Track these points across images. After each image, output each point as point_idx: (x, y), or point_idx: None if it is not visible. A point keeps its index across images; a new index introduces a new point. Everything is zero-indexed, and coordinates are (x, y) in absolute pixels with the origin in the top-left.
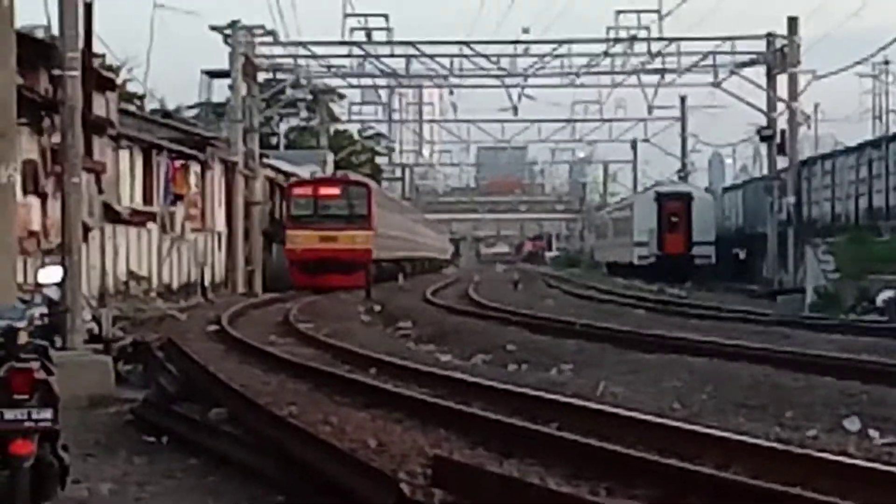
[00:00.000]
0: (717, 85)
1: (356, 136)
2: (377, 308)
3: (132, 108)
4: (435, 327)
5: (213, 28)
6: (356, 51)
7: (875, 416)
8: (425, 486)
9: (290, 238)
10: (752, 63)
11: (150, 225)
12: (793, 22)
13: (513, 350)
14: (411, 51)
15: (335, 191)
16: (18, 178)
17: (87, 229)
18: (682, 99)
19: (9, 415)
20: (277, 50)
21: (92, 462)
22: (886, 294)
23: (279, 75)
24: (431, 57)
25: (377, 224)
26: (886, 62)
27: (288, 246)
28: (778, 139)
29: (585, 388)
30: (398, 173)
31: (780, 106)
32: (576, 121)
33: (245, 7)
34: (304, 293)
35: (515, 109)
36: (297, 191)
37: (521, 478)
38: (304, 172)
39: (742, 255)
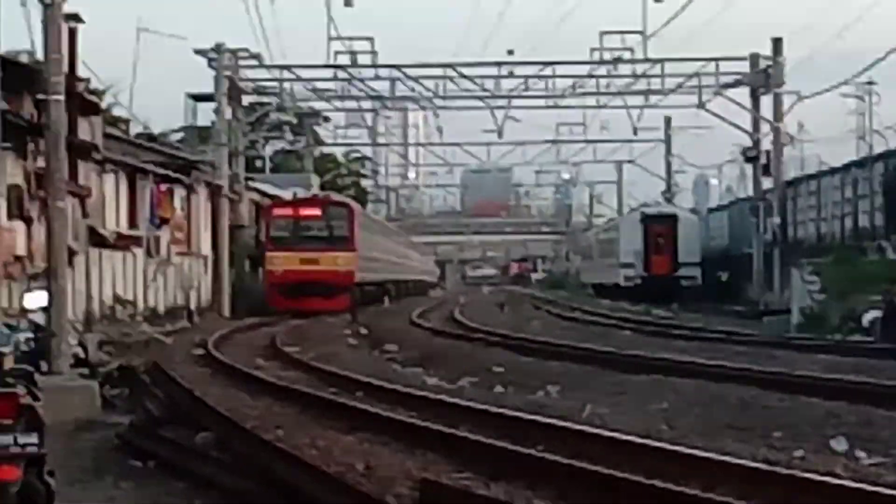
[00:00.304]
0: (701, 106)
1: (341, 160)
2: (363, 331)
3: (117, 132)
4: (421, 350)
5: (198, 51)
6: (341, 74)
7: (862, 436)
8: None
9: (270, 260)
10: (736, 84)
11: (136, 249)
12: (777, 43)
13: (499, 372)
14: (396, 73)
15: (316, 212)
16: (3, 203)
17: (72, 254)
18: (667, 120)
19: None
20: (262, 73)
21: (78, 487)
22: (872, 314)
23: (264, 98)
24: (416, 79)
25: (360, 246)
26: (870, 83)
27: (268, 268)
28: (763, 160)
29: (572, 410)
30: (383, 196)
31: (765, 127)
32: (560, 142)
33: (229, 30)
34: (290, 317)
35: (500, 132)
36: (277, 211)
37: (509, 500)
38: (290, 195)
39: (724, 277)
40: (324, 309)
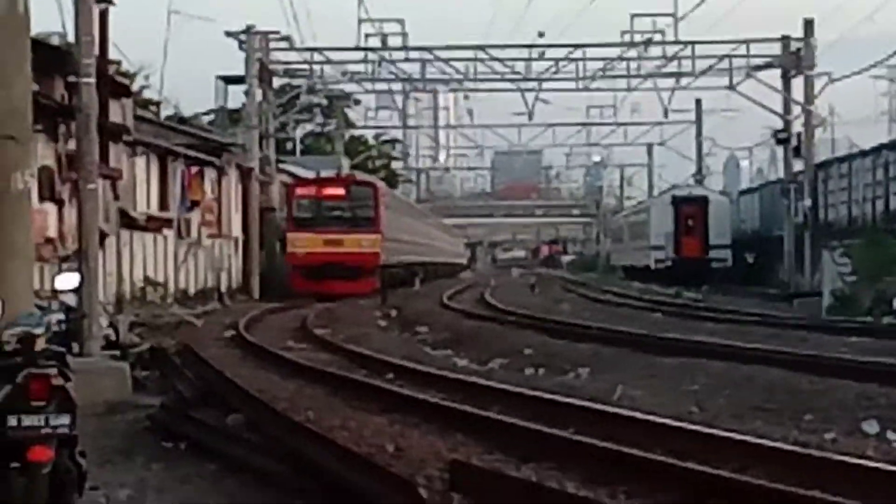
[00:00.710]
0: (732, 88)
1: (372, 142)
2: (393, 313)
3: (148, 114)
4: (451, 332)
5: (229, 34)
6: (371, 56)
7: (894, 418)
8: (443, 490)
9: (292, 241)
10: (767, 66)
11: (167, 231)
12: (808, 25)
13: (530, 354)
14: (426, 56)
15: (340, 191)
16: (34, 185)
17: (103, 235)
18: (698, 102)
19: (27, 421)
20: (293, 55)
21: (110, 468)
22: None
23: (294, 81)
24: (446, 62)
25: (386, 227)
26: None
27: (289, 249)
28: (794, 142)
29: (603, 392)
30: (413, 178)
31: (796, 109)
32: (591, 125)
33: (260, 13)
34: (317, 299)
35: (530, 114)
36: (300, 191)
37: (539, 482)
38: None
39: (750, 259)
40: (348, 292)
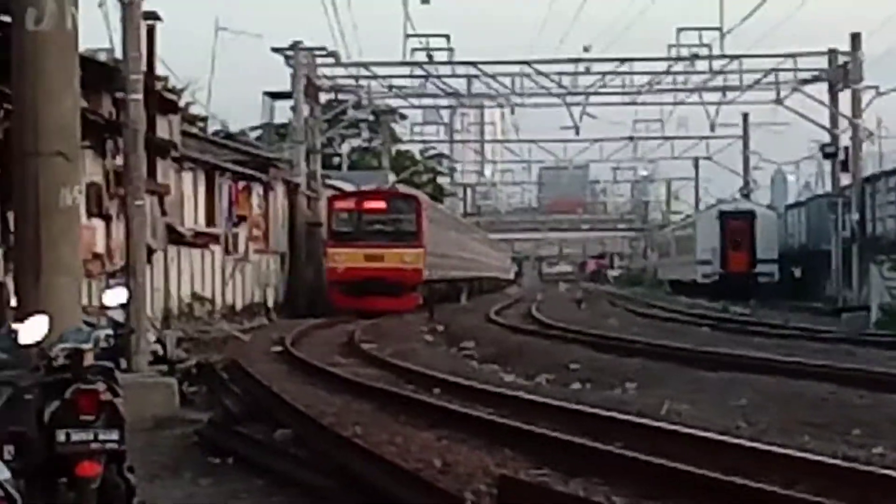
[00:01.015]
0: (779, 102)
1: (418, 157)
2: (440, 328)
3: (195, 130)
4: (498, 347)
5: (275, 50)
6: (417, 71)
7: None
8: None
9: (331, 256)
10: (814, 80)
11: (214, 246)
12: (855, 38)
13: (576, 369)
14: (472, 71)
15: (381, 204)
16: (82, 201)
17: (150, 251)
18: (745, 116)
19: (75, 436)
20: (339, 71)
21: (158, 483)
22: None
23: (341, 96)
24: (493, 77)
25: (429, 241)
26: None
27: (329, 265)
28: (841, 156)
29: (650, 407)
30: (460, 193)
31: (843, 122)
32: (638, 139)
33: (306, 29)
34: (361, 315)
35: (577, 128)
36: (339, 204)
37: (587, 497)
38: None
39: (798, 274)
40: (389, 309)
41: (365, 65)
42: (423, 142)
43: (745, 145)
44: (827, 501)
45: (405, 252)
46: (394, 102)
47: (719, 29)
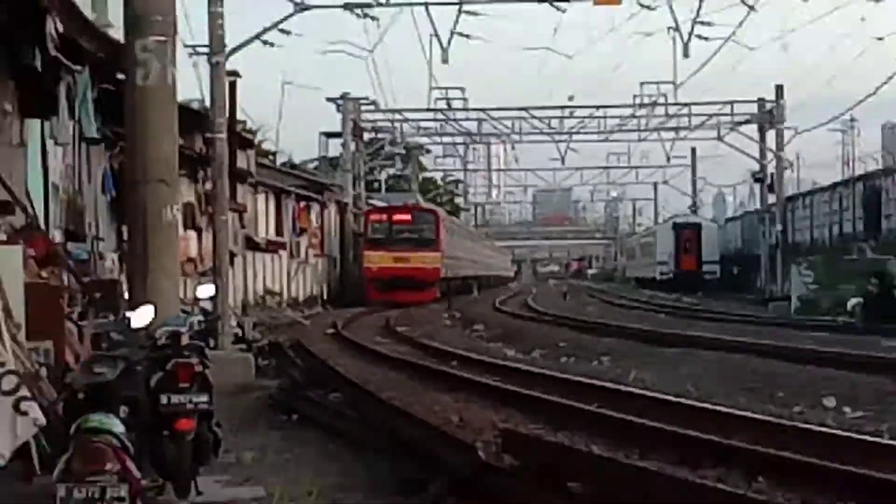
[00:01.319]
0: (720, 139)
1: (440, 182)
2: (457, 315)
3: (267, 162)
4: (502, 329)
5: (329, 99)
6: (439, 116)
7: (847, 395)
8: (497, 452)
9: (367, 258)
10: (747, 122)
11: (281, 252)
12: (779, 89)
13: (563, 346)
14: (482, 115)
15: (407, 217)
16: (180, 218)
17: (232, 256)
18: (693, 150)
19: (175, 399)
20: (378, 115)
21: (239, 436)
22: (854, 301)
23: (380, 135)
24: (498, 119)
25: (446, 247)
26: (853, 120)
27: (365, 265)
28: (768, 181)
29: (620, 376)
30: (472, 210)
31: (770, 155)
32: (610, 168)
33: (354, 81)
34: (395, 305)
35: (563, 159)
36: (373, 217)
37: (571, 445)
38: None
39: (735, 272)
40: (413, 301)
41: (398, 111)
42: (444, 170)
43: (693, 172)
44: (760, 448)
45: (426, 255)
46: (420, 139)
47: (673, 82)
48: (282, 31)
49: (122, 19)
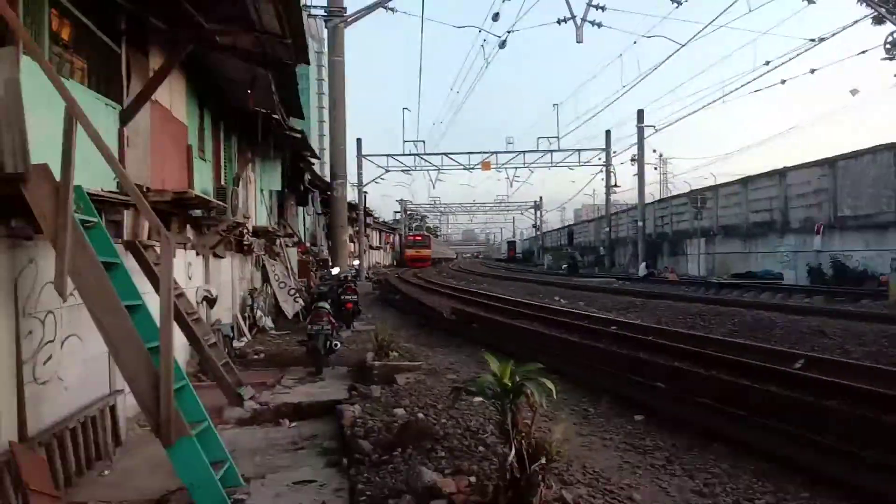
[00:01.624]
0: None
1: (430, 225)
2: (435, 270)
3: (373, 217)
4: (451, 273)
5: (398, 201)
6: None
7: (559, 294)
8: (450, 314)
9: (405, 251)
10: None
11: (381, 251)
12: (608, 134)
13: (475, 280)
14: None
15: (419, 236)
16: (347, 238)
17: (363, 252)
18: (541, 197)
19: (345, 297)
20: (412, 206)
21: (368, 309)
22: (564, 265)
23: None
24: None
25: (433, 247)
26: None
27: (406, 253)
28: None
29: (489, 290)
30: (441, 229)
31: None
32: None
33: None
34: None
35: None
36: (409, 237)
37: (475, 312)
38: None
39: (530, 256)
40: (422, 266)
41: (391, 155)
42: (423, 217)
43: (536, 213)
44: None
45: (426, 250)
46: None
47: (557, 137)
48: None
49: (329, 173)
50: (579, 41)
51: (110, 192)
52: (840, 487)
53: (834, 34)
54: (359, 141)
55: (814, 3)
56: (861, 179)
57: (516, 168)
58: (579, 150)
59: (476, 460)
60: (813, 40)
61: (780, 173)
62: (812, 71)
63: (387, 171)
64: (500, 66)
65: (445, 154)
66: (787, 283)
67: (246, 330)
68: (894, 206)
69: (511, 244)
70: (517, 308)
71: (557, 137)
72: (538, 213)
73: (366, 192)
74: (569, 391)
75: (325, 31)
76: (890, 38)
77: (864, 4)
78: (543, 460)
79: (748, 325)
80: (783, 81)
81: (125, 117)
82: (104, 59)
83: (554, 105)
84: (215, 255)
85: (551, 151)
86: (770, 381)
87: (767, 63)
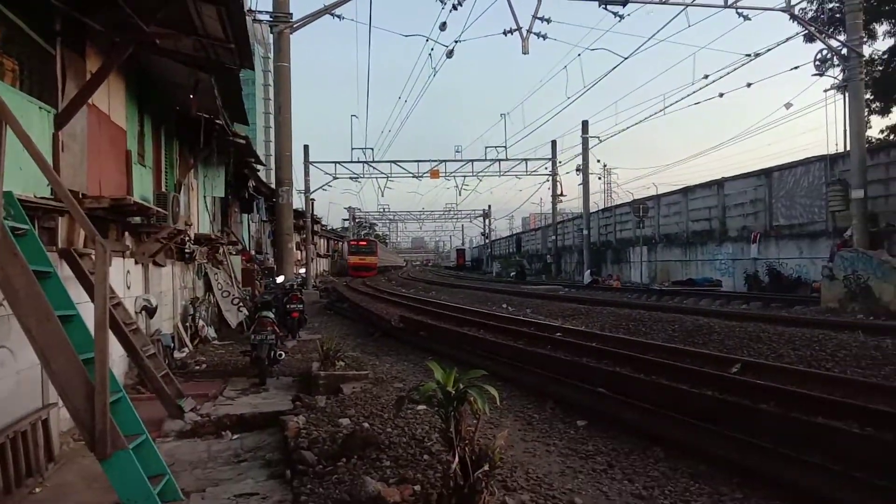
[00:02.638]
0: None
1: (379, 232)
2: (384, 279)
3: (320, 225)
4: (400, 283)
5: (346, 208)
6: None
7: (511, 301)
8: (398, 322)
9: (349, 259)
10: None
11: (326, 258)
12: (553, 144)
13: (424, 288)
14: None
15: (364, 243)
16: (294, 245)
17: (310, 260)
18: (489, 206)
19: (290, 306)
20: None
21: (314, 318)
22: (513, 272)
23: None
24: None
25: (379, 254)
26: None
27: (348, 261)
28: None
29: (437, 297)
30: (390, 237)
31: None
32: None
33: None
34: (369, 280)
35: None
36: (352, 242)
37: (422, 320)
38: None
39: (470, 264)
40: (367, 275)
41: (339, 162)
42: (371, 224)
43: (485, 221)
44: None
45: (372, 258)
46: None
47: (504, 146)
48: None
49: (274, 180)
50: (525, 52)
51: (43, 198)
52: (775, 487)
53: (769, 49)
54: (306, 147)
55: (749, 20)
56: (795, 190)
57: (465, 176)
58: (526, 160)
59: (421, 469)
60: (749, 55)
61: (719, 184)
62: (748, 85)
63: (335, 178)
64: (449, 75)
65: (394, 162)
66: (726, 289)
67: (187, 340)
68: (825, 216)
69: (460, 252)
70: (465, 316)
71: (505, 147)
72: (487, 221)
73: (313, 200)
74: (514, 397)
75: (271, 36)
76: (819, 56)
77: (796, 23)
78: (487, 467)
79: (687, 330)
80: (721, 95)
81: (60, 121)
82: (38, 61)
83: (501, 115)
84: (155, 264)
85: (499, 160)
86: (708, 385)
87: (706, 77)
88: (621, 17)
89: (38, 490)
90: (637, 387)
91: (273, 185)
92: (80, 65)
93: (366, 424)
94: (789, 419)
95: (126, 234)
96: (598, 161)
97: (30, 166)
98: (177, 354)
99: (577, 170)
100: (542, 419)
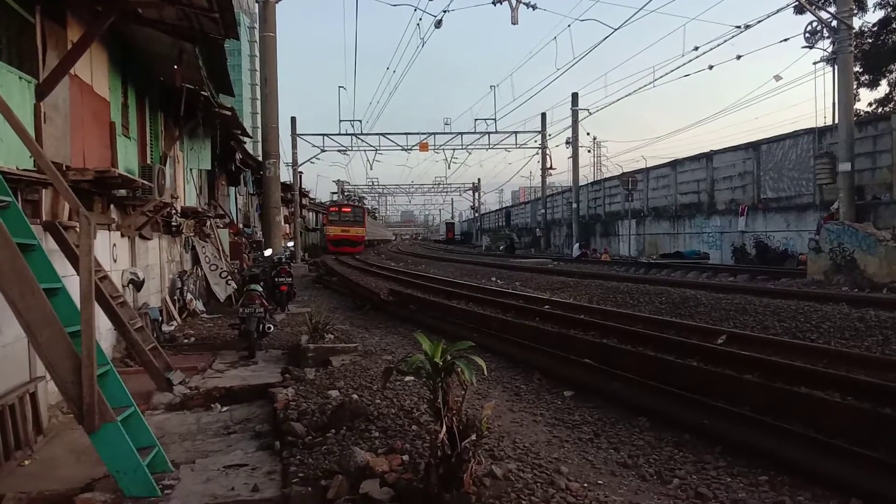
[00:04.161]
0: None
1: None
2: (373, 254)
3: (308, 198)
4: (389, 256)
5: (335, 181)
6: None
7: (502, 276)
8: (387, 296)
9: (327, 229)
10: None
11: (318, 232)
12: (543, 117)
13: (413, 262)
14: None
15: (348, 209)
16: (282, 219)
17: (299, 233)
18: (479, 179)
19: (279, 279)
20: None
21: (302, 291)
22: (502, 245)
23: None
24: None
25: (367, 226)
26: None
27: (327, 233)
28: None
29: (426, 271)
30: (379, 211)
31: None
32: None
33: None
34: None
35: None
36: (332, 208)
37: (411, 293)
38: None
39: (459, 237)
40: (351, 251)
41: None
42: (361, 198)
43: (474, 195)
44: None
45: (357, 229)
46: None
47: (494, 119)
48: None
49: (261, 153)
50: (515, 23)
51: (26, 170)
52: (757, 456)
53: (759, 21)
54: (293, 119)
55: None
56: (783, 163)
57: (454, 149)
58: (516, 133)
59: (409, 439)
60: (739, 27)
61: (707, 156)
62: (738, 57)
63: (322, 150)
64: (437, 47)
65: (383, 134)
66: (713, 262)
67: (175, 313)
68: (812, 189)
69: (450, 225)
70: (454, 289)
71: (495, 119)
72: (476, 194)
73: (301, 173)
74: (502, 369)
75: (257, 5)
76: (809, 28)
77: None
78: (474, 437)
79: (675, 303)
80: (711, 67)
81: (42, 92)
82: (16, 31)
83: (491, 87)
84: (142, 237)
85: (489, 133)
86: (693, 356)
87: (696, 49)
88: None
89: (27, 463)
90: (623, 358)
91: (260, 158)
92: (61, 34)
93: (354, 396)
94: (773, 389)
95: (111, 206)
96: (588, 134)
97: (11, 137)
98: (165, 328)
99: (567, 143)
100: (529, 390)
